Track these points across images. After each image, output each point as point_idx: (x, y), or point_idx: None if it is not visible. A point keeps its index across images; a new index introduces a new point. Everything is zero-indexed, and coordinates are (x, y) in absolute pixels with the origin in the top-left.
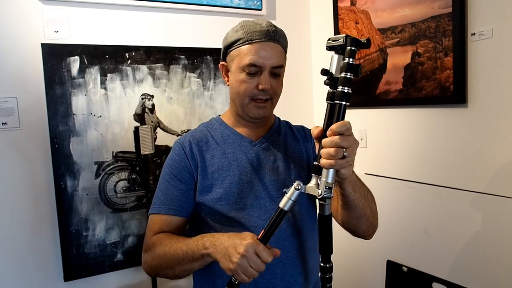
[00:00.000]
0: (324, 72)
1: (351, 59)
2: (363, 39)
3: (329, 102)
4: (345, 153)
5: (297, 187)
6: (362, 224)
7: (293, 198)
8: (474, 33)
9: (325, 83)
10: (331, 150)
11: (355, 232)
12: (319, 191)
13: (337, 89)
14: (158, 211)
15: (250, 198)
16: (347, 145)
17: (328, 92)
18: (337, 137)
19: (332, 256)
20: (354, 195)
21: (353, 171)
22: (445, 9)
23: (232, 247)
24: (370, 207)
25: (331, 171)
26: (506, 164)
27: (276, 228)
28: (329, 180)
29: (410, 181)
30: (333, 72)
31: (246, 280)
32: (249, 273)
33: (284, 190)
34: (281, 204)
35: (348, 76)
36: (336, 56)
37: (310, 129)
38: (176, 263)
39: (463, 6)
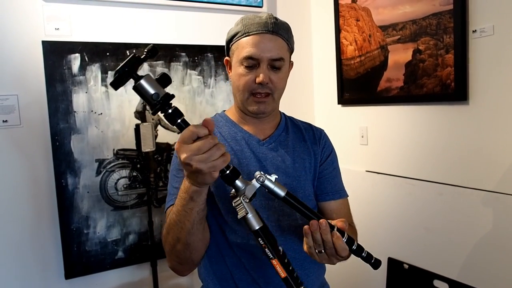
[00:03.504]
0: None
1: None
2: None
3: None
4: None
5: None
6: None
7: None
8: (475, 30)
9: (154, 112)
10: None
11: None
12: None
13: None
14: (173, 203)
15: (260, 199)
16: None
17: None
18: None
19: None
20: None
21: None
22: (446, 6)
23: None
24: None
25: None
26: (507, 161)
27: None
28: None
29: (411, 179)
30: (158, 93)
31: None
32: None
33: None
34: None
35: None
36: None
37: (319, 129)
38: (179, 230)
39: (464, 3)
